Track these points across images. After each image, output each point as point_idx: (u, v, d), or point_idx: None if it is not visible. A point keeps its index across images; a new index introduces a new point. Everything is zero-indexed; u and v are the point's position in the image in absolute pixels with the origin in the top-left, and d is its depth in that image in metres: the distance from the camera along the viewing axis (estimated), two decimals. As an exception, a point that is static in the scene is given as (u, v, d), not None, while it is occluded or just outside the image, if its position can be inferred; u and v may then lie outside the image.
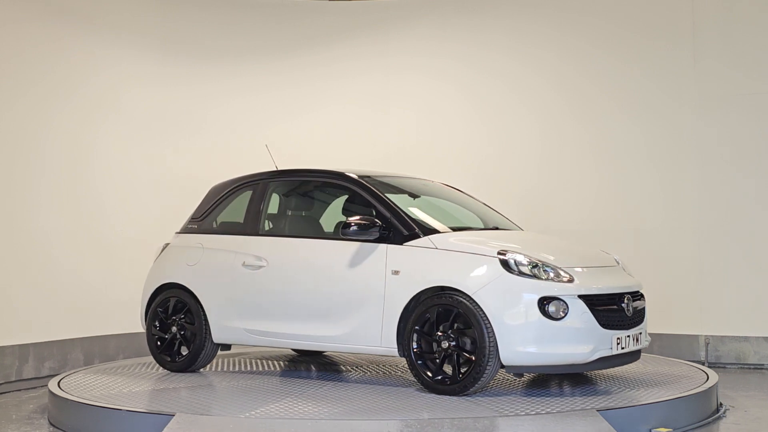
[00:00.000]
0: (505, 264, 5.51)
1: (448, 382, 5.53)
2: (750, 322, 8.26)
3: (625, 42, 8.91)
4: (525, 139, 9.25)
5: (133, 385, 6.17)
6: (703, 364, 8.09)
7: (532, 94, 9.26)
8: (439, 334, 5.55)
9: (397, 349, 5.77)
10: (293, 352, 7.72)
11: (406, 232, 5.88)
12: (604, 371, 6.47)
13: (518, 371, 5.56)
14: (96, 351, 8.41)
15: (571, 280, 5.52)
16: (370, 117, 9.68)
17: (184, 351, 6.70)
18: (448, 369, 5.60)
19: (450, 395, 5.50)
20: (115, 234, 8.66)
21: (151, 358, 7.10)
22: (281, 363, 7.27)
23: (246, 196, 6.84)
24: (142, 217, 8.72)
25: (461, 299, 5.48)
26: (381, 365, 7.04)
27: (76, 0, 8.58)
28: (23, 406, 6.76)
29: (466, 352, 5.47)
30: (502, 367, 5.47)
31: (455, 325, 5.53)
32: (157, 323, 6.78)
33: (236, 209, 6.92)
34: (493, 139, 9.36)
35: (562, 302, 5.40)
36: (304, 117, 9.68)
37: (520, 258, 5.54)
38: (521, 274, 5.47)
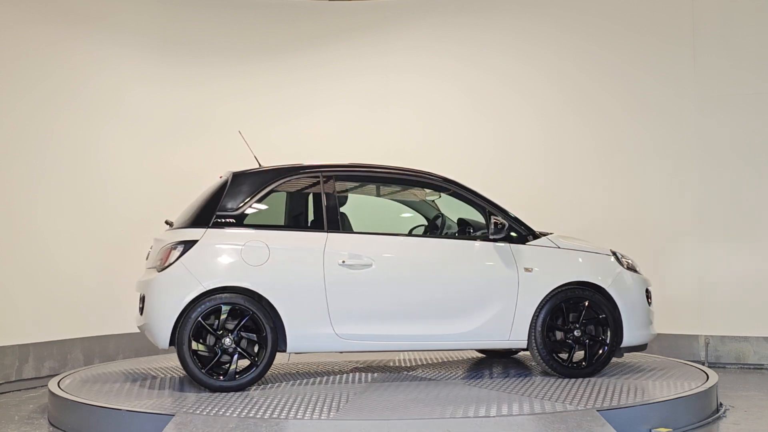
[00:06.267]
0: (617, 260, 6.54)
1: (583, 366, 6.29)
2: (750, 322, 8.26)
3: (625, 40, 8.92)
4: (526, 138, 9.25)
5: (133, 385, 6.16)
6: (703, 364, 8.09)
7: (533, 94, 9.26)
8: (575, 324, 6.29)
9: (527, 342, 6.26)
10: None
11: (524, 233, 6.42)
12: (605, 371, 6.52)
13: (630, 351, 6.53)
14: (96, 351, 8.41)
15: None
16: (371, 116, 9.68)
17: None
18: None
19: (584, 378, 6.23)
20: (116, 234, 8.66)
21: (151, 358, 7.06)
22: (280, 364, 7.27)
23: (300, 189, 6.42)
24: (143, 218, 8.70)
25: (594, 292, 6.31)
26: (374, 365, 7.05)
27: (77, 1, 8.58)
28: (23, 406, 6.75)
29: (593, 338, 6.30)
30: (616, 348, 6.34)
31: (582, 316, 6.30)
32: (191, 337, 5.80)
33: (291, 203, 6.53)
34: (495, 139, 9.36)
35: (650, 291, 6.65)
36: (304, 116, 9.68)
37: (620, 255, 6.60)
38: (628, 268, 6.56)
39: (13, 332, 7.66)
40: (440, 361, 7.30)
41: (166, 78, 9.29)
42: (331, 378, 6.42)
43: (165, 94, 9.28)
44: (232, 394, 5.75)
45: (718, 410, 6.09)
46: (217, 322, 5.85)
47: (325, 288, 5.98)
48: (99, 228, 8.55)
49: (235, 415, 5.08)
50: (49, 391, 6.08)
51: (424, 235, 6.71)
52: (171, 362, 7.25)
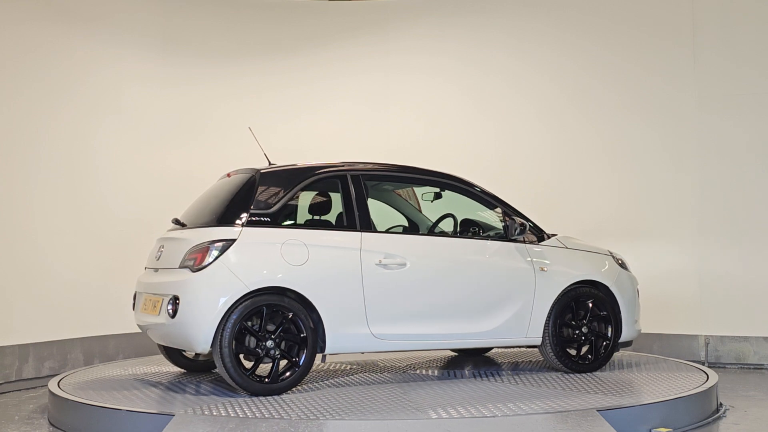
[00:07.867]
0: (615, 260, 6.84)
1: (590, 361, 6.55)
2: (750, 322, 8.27)
3: (626, 40, 8.93)
4: (527, 137, 9.25)
5: (133, 385, 6.16)
6: (703, 364, 8.09)
7: (533, 93, 9.27)
8: (583, 321, 6.54)
9: (541, 339, 6.46)
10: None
11: (537, 233, 6.61)
12: (605, 371, 6.53)
13: (626, 346, 6.80)
14: (96, 351, 8.41)
15: None
16: (371, 117, 9.68)
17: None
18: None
19: (590, 372, 6.50)
20: (115, 234, 8.66)
21: (150, 358, 7.03)
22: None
23: (331, 187, 6.31)
24: (143, 218, 8.71)
25: (598, 291, 6.59)
26: (375, 365, 7.05)
27: (77, 1, 8.58)
28: (23, 406, 6.76)
29: (597, 334, 6.58)
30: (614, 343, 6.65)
31: (587, 313, 6.56)
32: (230, 339, 5.58)
33: (322, 202, 6.40)
34: (495, 138, 9.36)
35: (638, 290, 6.97)
36: (304, 117, 9.68)
37: (616, 255, 6.92)
38: (623, 267, 6.87)
39: (13, 332, 7.66)
40: (437, 360, 7.30)
41: (166, 78, 9.29)
42: (330, 379, 6.42)
43: (165, 93, 9.28)
44: (231, 394, 5.74)
45: (718, 410, 6.09)
46: (250, 323, 5.66)
47: (363, 288, 5.92)
48: (97, 228, 8.55)
49: (235, 415, 5.08)
50: (49, 391, 6.08)
51: (452, 235, 6.69)
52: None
